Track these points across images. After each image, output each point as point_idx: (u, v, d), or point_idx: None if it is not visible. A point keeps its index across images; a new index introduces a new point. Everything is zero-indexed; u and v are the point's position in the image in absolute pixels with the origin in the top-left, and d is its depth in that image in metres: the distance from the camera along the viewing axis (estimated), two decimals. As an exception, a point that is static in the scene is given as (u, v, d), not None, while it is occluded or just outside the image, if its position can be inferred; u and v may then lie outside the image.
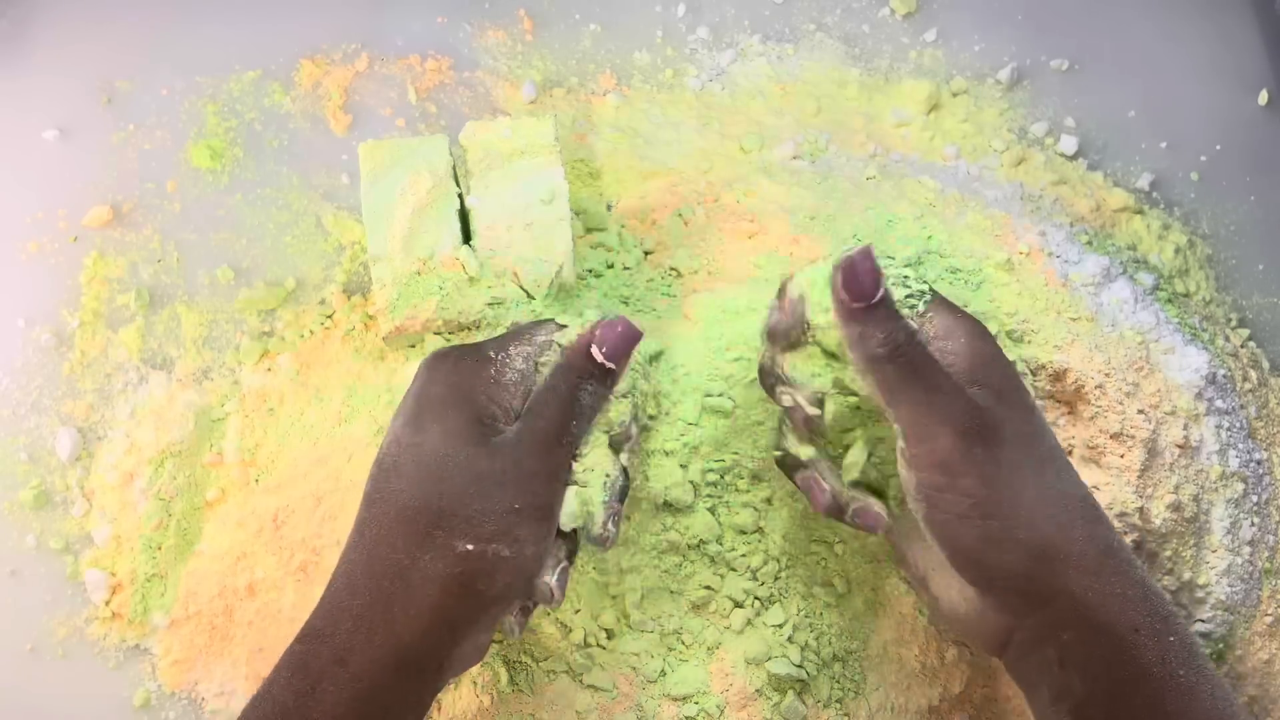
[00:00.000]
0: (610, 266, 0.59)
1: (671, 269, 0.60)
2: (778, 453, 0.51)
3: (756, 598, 0.55)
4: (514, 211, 0.54)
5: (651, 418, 0.53)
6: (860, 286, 0.43)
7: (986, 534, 0.42)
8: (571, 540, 0.48)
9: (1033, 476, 0.43)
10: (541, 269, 0.53)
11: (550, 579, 0.46)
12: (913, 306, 0.46)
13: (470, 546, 0.42)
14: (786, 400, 0.48)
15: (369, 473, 0.45)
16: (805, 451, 0.49)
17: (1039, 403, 0.55)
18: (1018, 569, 0.42)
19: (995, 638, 0.45)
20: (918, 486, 0.43)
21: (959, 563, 0.44)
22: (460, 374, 0.46)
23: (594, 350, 0.46)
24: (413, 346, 0.56)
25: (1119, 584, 0.42)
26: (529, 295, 0.53)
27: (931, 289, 0.47)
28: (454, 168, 0.55)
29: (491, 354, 0.46)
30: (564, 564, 0.46)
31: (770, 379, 0.49)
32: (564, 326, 0.48)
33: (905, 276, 0.46)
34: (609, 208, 0.62)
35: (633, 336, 0.46)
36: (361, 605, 0.42)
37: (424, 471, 0.43)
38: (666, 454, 0.54)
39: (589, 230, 0.61)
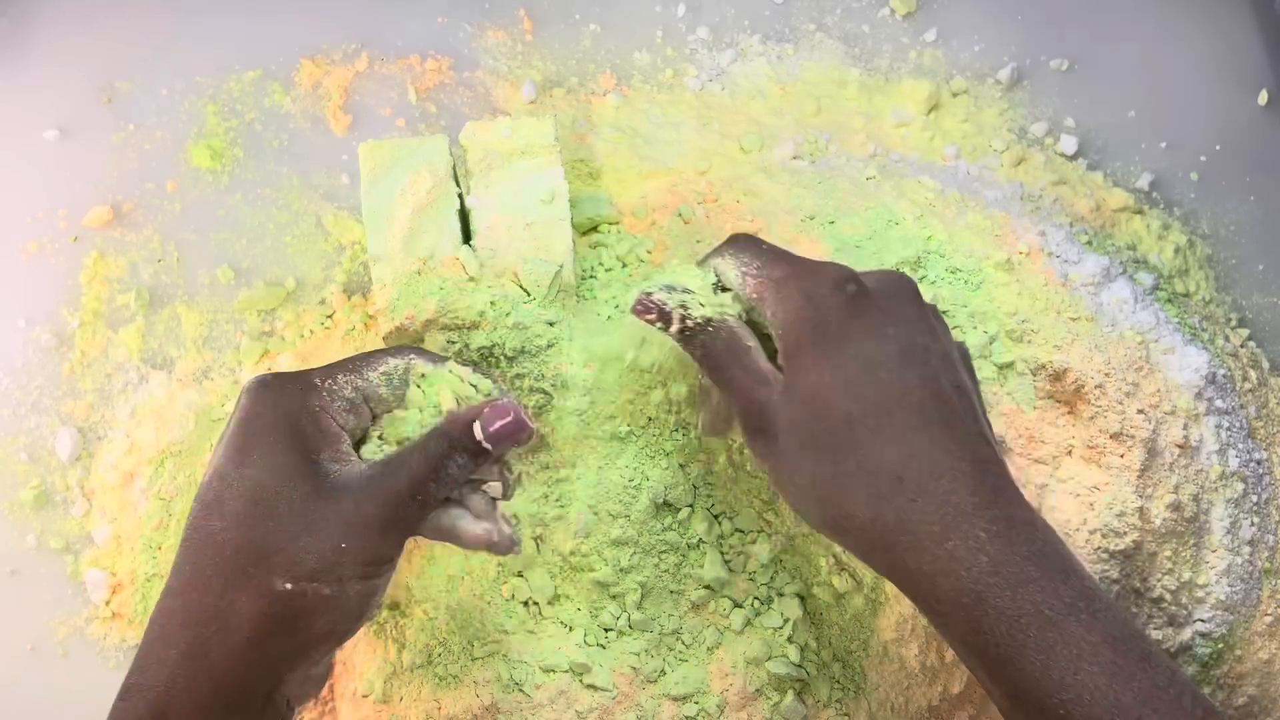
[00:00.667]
0: (609, 270, 0.59)
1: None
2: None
3: (756, 598, 0.55)
4: (514, 211, 0.54)
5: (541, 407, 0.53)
6: (663, 319, 0.46)
7: (824, 517, 0.42)
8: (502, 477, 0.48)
9: (810, 460, 0.42)
10: (541, 269, 0.53)
11: (497, 528, 0.47)
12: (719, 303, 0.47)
13: (289, 585, 0.41)
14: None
15: (192, 507, 0.43)
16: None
17: (1041, 401, 0.55)
18: (859, 547, 0.42)
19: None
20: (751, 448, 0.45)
21: (807, 517, 0.44)
22: (286, 402, 0.44)
23: (475, 427, 0.45)
24: (413, 346, 0.56)
25: (911, 559, 0.40)
26: (528, 294, 0.53)
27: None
28: (454, 168, 0.55)
29: (317, 382, 0.45)
30: (496, 501, 0.48)
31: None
32: (422, 355, 0.47)
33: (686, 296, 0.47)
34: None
35: (523, 432, 0.45)
36: (178, 655, 0.41)
37: (247, 507, 0.42)
38: (666, 454, 0.54)
39: (586, 232, 0.61)
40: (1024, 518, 0.41)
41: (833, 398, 0.42)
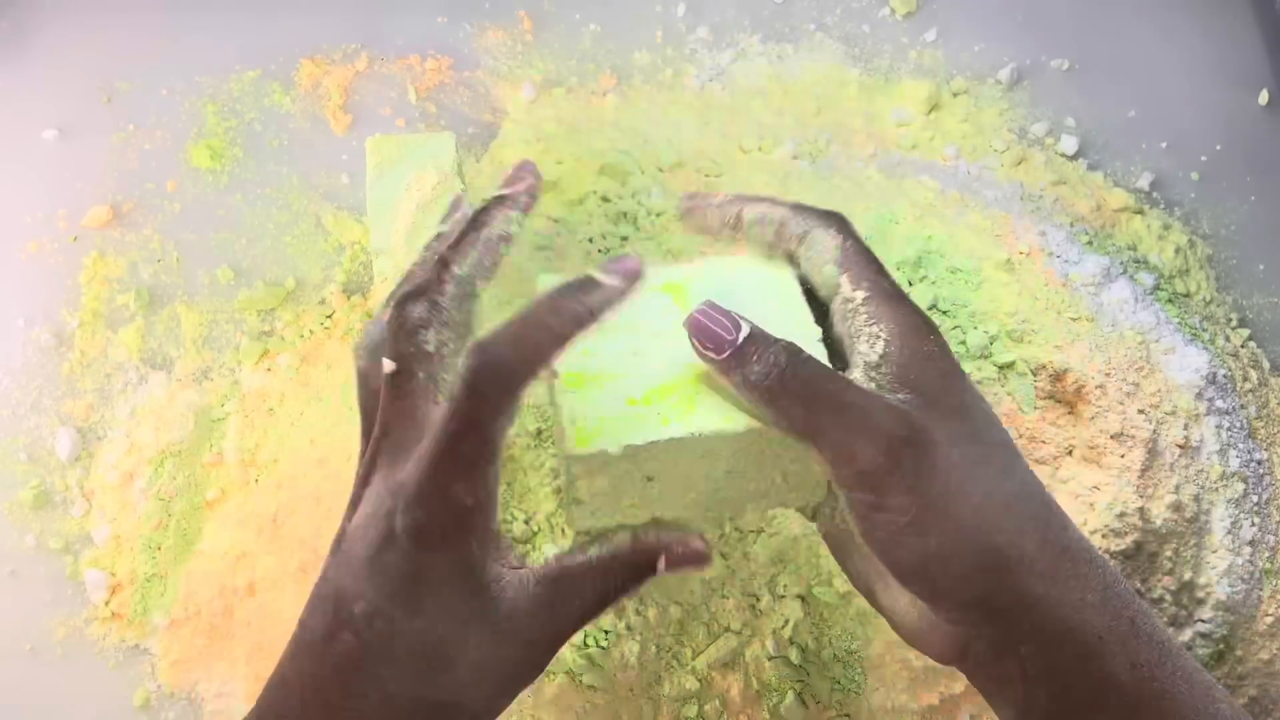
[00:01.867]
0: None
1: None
2: None
3: (757, 598, 0.55)
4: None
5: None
6: (718, 337, 0.40)
7: (926, 550, 0.38)
8: None
9: (973, 480, 0.39)
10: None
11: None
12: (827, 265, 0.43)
13: None
14: None
15: (328, 631, 0.38)
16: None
17: (1041, 401, 0.55)
18: (965, 583, 0.39)
19: (951, 650, 0.41)
20: (849, 507, 0.39)
21: (905, 579, 0.40)
22: (454, 542, 0.37)
23: (660, 563, 0.40)
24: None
25: (1077, 589, 0.39)
26: None
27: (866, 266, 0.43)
28: (459, 165, 0.55)
29: (466, 497, 0.36)
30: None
31: None
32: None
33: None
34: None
35: (704, 562, 0.40)
36: None
37: (424, 662, 0.37)
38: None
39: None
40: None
41: (988, 414, 0.40)
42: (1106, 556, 0.53)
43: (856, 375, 0.40)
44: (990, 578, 0.39)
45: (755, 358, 0.39)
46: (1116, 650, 0.39)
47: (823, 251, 0.43)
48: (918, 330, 0.41)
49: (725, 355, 0.39)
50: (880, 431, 0.38)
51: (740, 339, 0.39)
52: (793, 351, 0.39)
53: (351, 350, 0.41)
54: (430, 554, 0.37)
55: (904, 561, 0.39)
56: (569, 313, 0.37)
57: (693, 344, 0.40)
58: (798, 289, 0.44)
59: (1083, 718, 0.39)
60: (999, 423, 0.41)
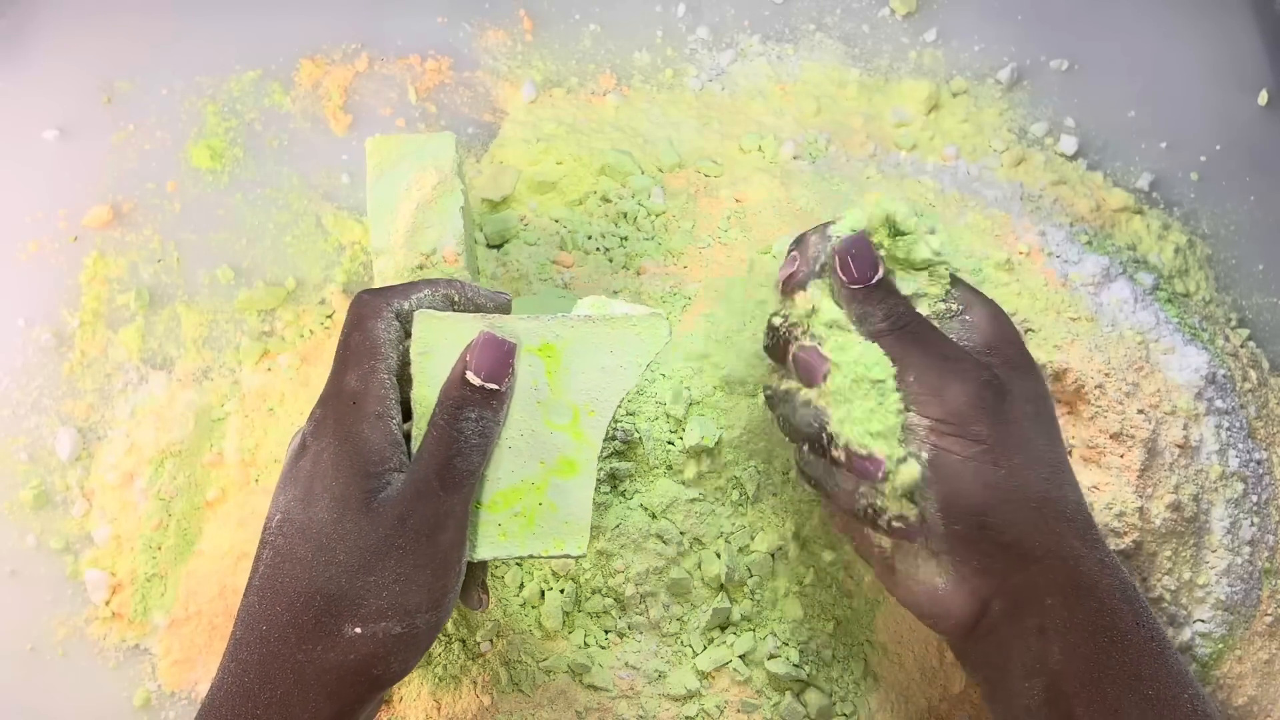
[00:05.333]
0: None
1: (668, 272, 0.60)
2: (801, 476, 0.48)
3: (757, 598, 0.55)
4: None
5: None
6: (860, 268, 0.45)
7: (992, 481, 0.42)
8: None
9: (1037, 435, 0.44)
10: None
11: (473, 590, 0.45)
12: (937, 266, 0.46)
13: (359, 630, 0.40)
14: (797, 347, 0.46)
15: (257, 553, 0.42)
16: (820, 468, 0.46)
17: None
18: (1017, 519, 0.42)
19: (970, 609, 0.44)
20: (927, 430, 0.43)
21: (957, 511, 0.43)
22: (345, 424, 0.42)
23: (469, 376, 0.42)
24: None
25: (1100, 550, 0.43)
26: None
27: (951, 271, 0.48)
28: (459, 165, 0.55)
29: (356, 384, 0.42)
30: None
31: (781, 335, 0.47)
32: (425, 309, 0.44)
33: (931, 232, 0.46)
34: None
35: (507, 350, 0.43)
36: (259, 711, 0.40)
37: (314, 552, 0.41)
38: (668, 465, 0.54)
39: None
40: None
41: (1048, 390, 0.47)
42: None
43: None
44: (1038, 522, 0.43)
45: (880, 300, 0.45)
46: (1126, 608, 0.42)
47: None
48: (999, 312, 0.47)
49: (857, 288, 0.45)
50: (969, 375, 0.44)
51: (875, 280, 0.45)
52: (909, 307, 0.45)
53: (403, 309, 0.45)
54: (324, 440, 0.42)
55: (964, 489, 0.43)
56: (445, 283, 0.45)
57: (832, 267, 0.46)
58: (655, 351, 0.45)
59: (1091, 671, 0.41)
60: (1052, 400, 0.47)
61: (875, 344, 0.44)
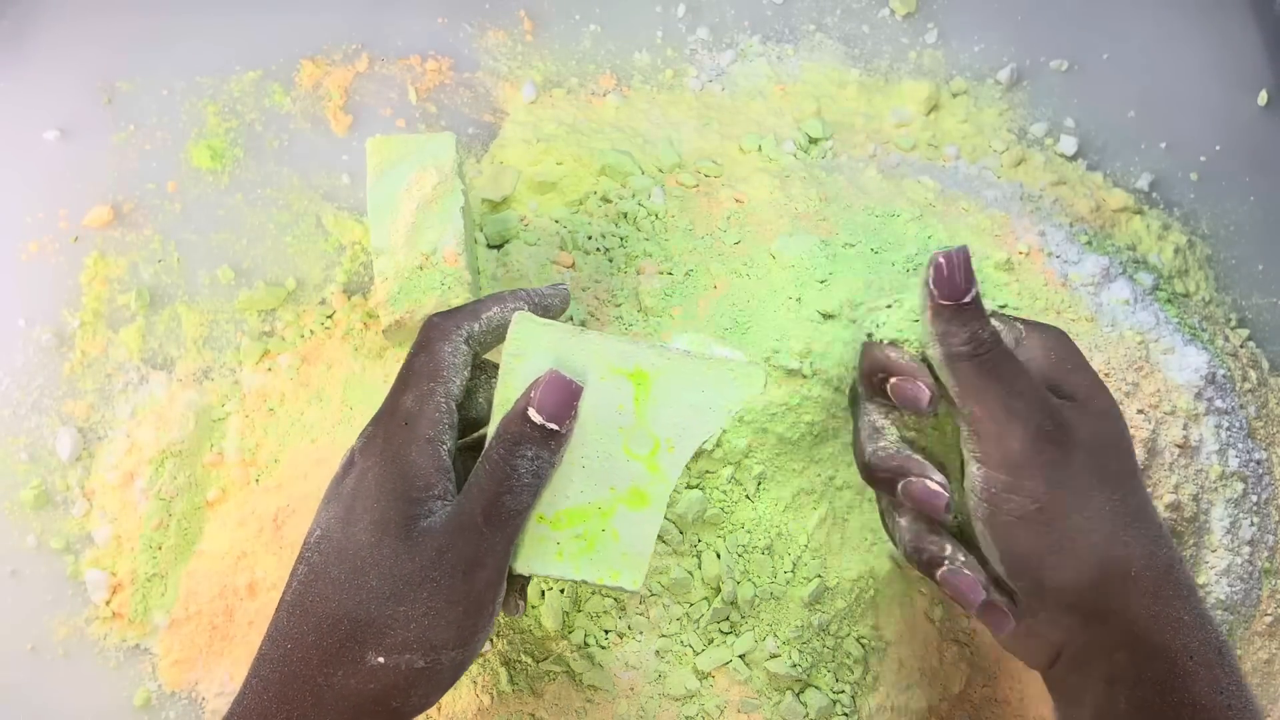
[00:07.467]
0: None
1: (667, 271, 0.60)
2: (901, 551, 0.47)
3: (757, 598, 0.55)
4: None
5: None
6: (953, 285, 0.43)
7: (1046, 541, 0.41)
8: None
9: (1101, 488, 0.42)
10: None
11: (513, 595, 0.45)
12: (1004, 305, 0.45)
13: (381, 660, 0.40)
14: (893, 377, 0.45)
15: (294, 567, 0.42)
16: (938, 544, 0.45)
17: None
18: (1075, 582, 0.41)
19: (1043, 652, 0.43)
20: (983, 485, 0.42)
21: (1015, 569, 0.42)
22: (394, 445, 0.41)
23: (531, 413, 0.42)
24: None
25: (1177, 608, 0.41)
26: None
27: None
28: (460, 165, 0.55)
29: (411, 405, 0.42)
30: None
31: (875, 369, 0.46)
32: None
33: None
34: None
35: (573, 392, 0.42)
36: None
37: (348, 574, 0.40)
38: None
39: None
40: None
41: (1124, 425, 0.44)
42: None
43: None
44: (1099, 582, 0.41)
45: (965, 322, 0.42)
46: (1202, 673, 0.41)
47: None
48: (1065, 339, 0.44)
49: (947, 305, 0.42)
50: (1033, 421, 0.41)
51: (967, 299, 0.42)
52: (994, 334, 0.42)
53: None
54: (371, 459, 0.42)
55: (1019, 550, 0.42)
56: (511, 296, 0.45)
57: (926, 276, 0.43)
58: (746, 399, 0.44)
59: None
60: (1129, 434, 0.44)
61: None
